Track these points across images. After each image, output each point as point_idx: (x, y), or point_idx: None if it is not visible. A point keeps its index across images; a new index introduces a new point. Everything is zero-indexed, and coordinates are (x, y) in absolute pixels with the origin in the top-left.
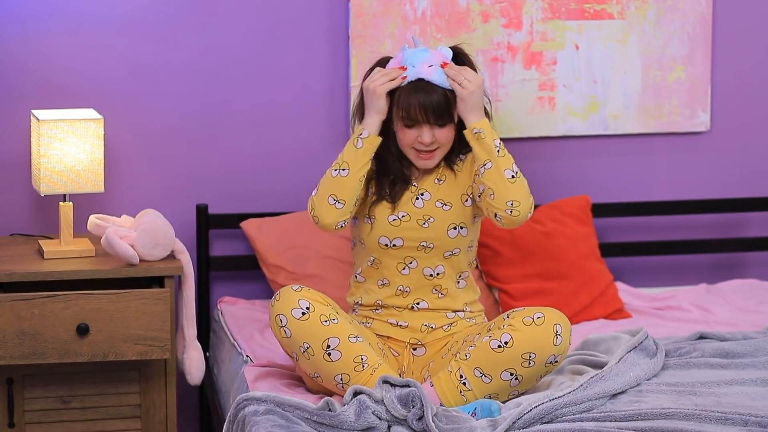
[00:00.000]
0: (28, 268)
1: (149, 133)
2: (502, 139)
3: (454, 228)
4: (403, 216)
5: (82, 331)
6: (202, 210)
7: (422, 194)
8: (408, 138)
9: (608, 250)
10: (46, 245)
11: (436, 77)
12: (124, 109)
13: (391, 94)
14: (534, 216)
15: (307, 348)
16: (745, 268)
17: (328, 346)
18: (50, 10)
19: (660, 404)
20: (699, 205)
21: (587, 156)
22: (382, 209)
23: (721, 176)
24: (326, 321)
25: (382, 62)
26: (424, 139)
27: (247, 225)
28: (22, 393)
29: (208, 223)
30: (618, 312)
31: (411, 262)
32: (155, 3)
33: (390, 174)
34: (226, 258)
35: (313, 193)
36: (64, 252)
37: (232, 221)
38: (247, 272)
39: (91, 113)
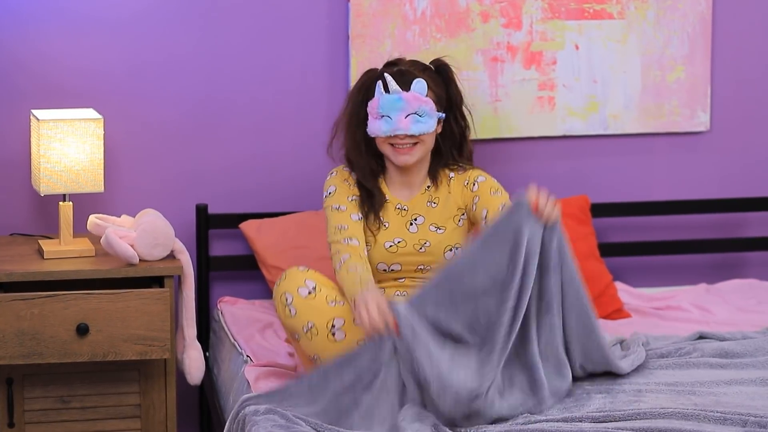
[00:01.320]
0: (27, 268)
1: (149, 133)
2: (502, 139)
3: (450, 249)
4: (399, 242)
5: (82, 331)
6: (201, 210)
7: (415, 219)
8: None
9: (608, 250)
10: (46, 245)
11: (414, 128)
12: (123, 109)
13: (365, 93)
14: None
15: (311, 327)
16: (745, 268)
17: (333, 326)
18: (50, 10)
19: (659, 404)
20: (699, 205)
21: (587, 156)
22: (378, 234)
23: (720, 176)
24: (332, 302)
25: (370, 77)
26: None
27: (246, 226)
28: (22, 393)
29: (207, 223)
30: (617, 312)
31: (406, 279)
32: (155, 3)
33: (367, 195)
34: (225, 258)
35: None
36: (63, 252)
37: (232, 221)
38: (247, 272)
39: (90, 113)
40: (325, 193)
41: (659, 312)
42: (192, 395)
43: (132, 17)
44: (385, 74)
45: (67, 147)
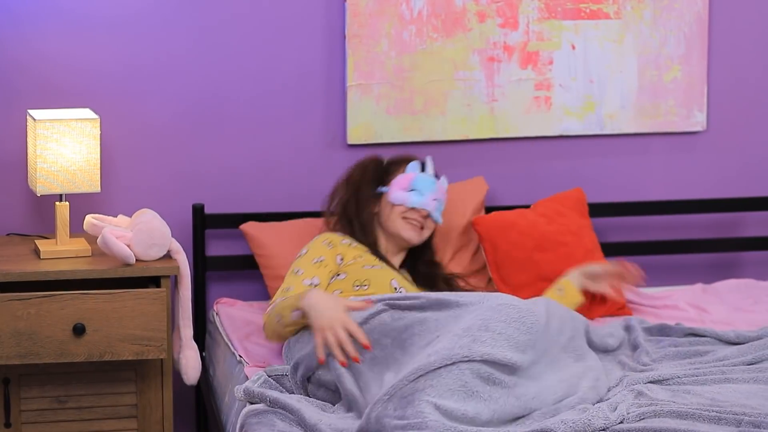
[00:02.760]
0: (24, 268)
1: (145, 133)
2: (498, 139)
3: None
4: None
5: (79, 330)
6: (198, 210)
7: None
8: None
9: (605, 249)
10: (43, 245)
11: (436, 214)
12: (120, 108)
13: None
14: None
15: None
16: (741, 268)
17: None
18: (47, 10)
19: (654, 403)
20: (695, 204)
21: (583, 156)
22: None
23: (717, 176)
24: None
25: (372, 164)
26: (424, 208)
27: (247, 227)
28: (19, 393)
29: (204, 223)
30: (620, 309)
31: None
32: (152, 3)
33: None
34: (222, 258)
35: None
36: (60, 252)
37: (229, 221)
38: (244, 272)
39: (87, 113)
40: (304, 250)
41: (656, 311)
42: (188, 395)
43: (129, 17)
44: (427, 157)
45: (64, 147)
